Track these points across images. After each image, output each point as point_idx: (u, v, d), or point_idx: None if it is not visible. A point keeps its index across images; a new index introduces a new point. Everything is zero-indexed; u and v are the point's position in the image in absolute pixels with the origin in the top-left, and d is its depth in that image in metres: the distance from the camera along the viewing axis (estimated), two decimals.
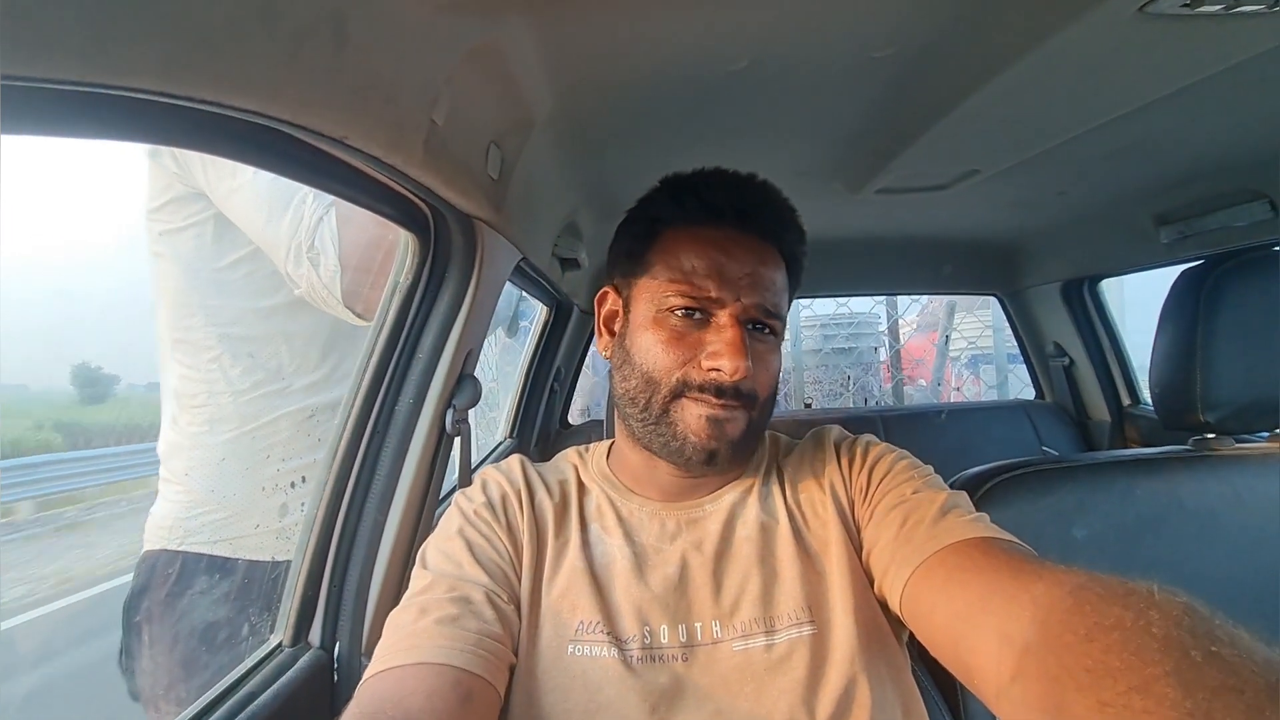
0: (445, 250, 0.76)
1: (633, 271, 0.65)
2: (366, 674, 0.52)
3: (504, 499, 0.64)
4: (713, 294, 0.59)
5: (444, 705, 0.48)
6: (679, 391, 0.59)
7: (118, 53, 0.27)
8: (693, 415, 0.59)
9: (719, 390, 0.58)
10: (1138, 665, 0.32)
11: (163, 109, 0.32)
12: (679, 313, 0.60)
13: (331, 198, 0.86)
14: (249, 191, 0.88)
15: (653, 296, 0.62)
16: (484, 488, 0.66)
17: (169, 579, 0.93)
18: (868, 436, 0.68)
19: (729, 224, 0.62)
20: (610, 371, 0.67)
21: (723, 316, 0.59)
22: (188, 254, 0.95)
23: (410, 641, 0.52)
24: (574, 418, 2.09)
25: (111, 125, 0.32)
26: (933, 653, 0.51)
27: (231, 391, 0.96)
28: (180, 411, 0.98)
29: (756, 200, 0.63)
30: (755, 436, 0.63)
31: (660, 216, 0.64)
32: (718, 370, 0.57)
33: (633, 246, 0.65)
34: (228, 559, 0.96)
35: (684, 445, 0.59)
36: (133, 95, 0.29)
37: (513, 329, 1.71)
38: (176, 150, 0.90)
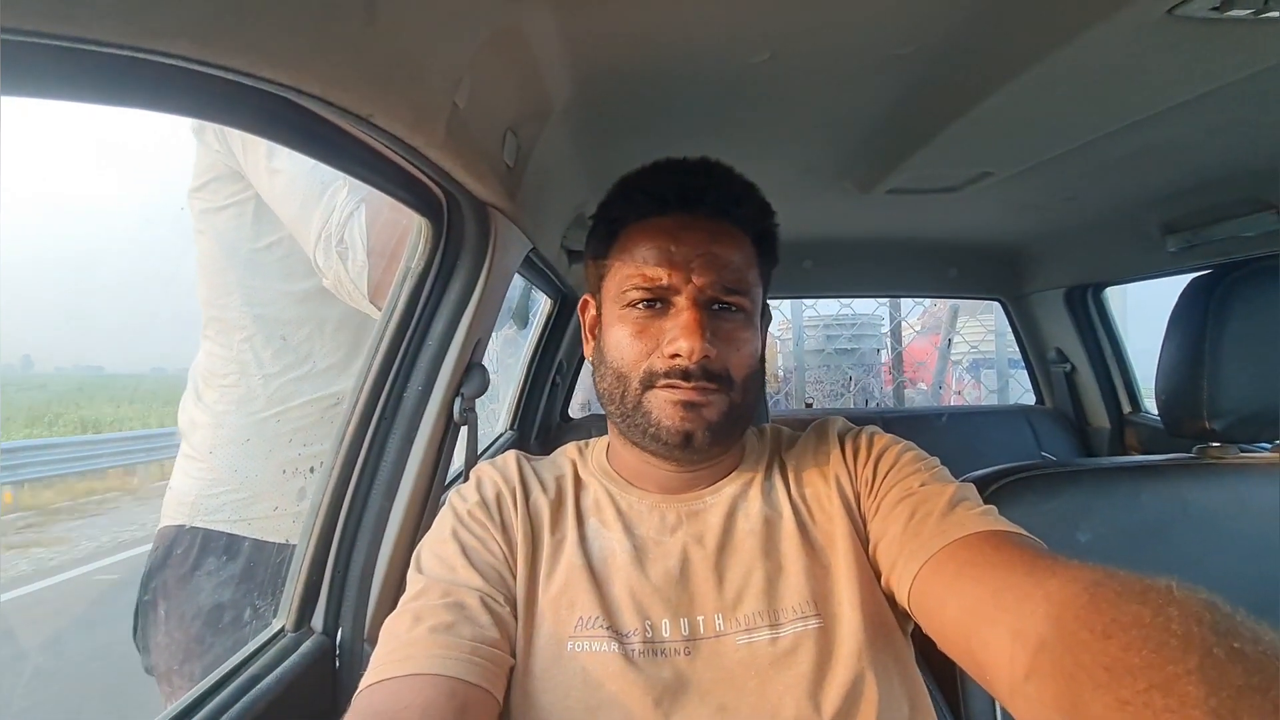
0: (458, 237, 0.75)
1: (600, 275, 0.65)
2: (362, 684, 0.51)
3: (499, 497, 0.64)
4: (665, 281, 0.59)
5: (440, 718, 0.47)
6: (649, 382, 0.59)
7: (154, 14, 0.27)
8: (664, 401, 0.59)
9: (685, 374, 0.58)
10: (1158, 663, 0.32)
11: (196, 78, 0.31)
12: (640, 306, 0.60)
13: (363, 193, 0.86)
14: (285, 176, 0.88)
15: (615, 294, 0.62)
16: (479, 486, 0.65)
17: (188, 554, 0.93)
18: (872, 428, 0.67)
19: (675, 210, 0.62)
20: (592, 374, 0.67)
21: (679, 301, 0.59)
22: (227, 233, 0.95)
23: (405, 651, 0.51)
24: (575, 411, 2.09)
25: (147, 93, 0.32)
26: (942, 648, 0.50)
27: (261, 373, 0.96)
28: (207, 389, 0.98)
29: (701, 182, 0.63)
30: (739, 419, 0.62)
31: (616, 217, 0.64)
32: (677, 355, 0.58)
33: (597, 250, 0.66)
34: (246, 538, 0.96)
35: (659, 431, 0.59)
36: (168, 62, 0.29)
37: (523, 321, 1.70)
38: (219, 129, 0.91)
